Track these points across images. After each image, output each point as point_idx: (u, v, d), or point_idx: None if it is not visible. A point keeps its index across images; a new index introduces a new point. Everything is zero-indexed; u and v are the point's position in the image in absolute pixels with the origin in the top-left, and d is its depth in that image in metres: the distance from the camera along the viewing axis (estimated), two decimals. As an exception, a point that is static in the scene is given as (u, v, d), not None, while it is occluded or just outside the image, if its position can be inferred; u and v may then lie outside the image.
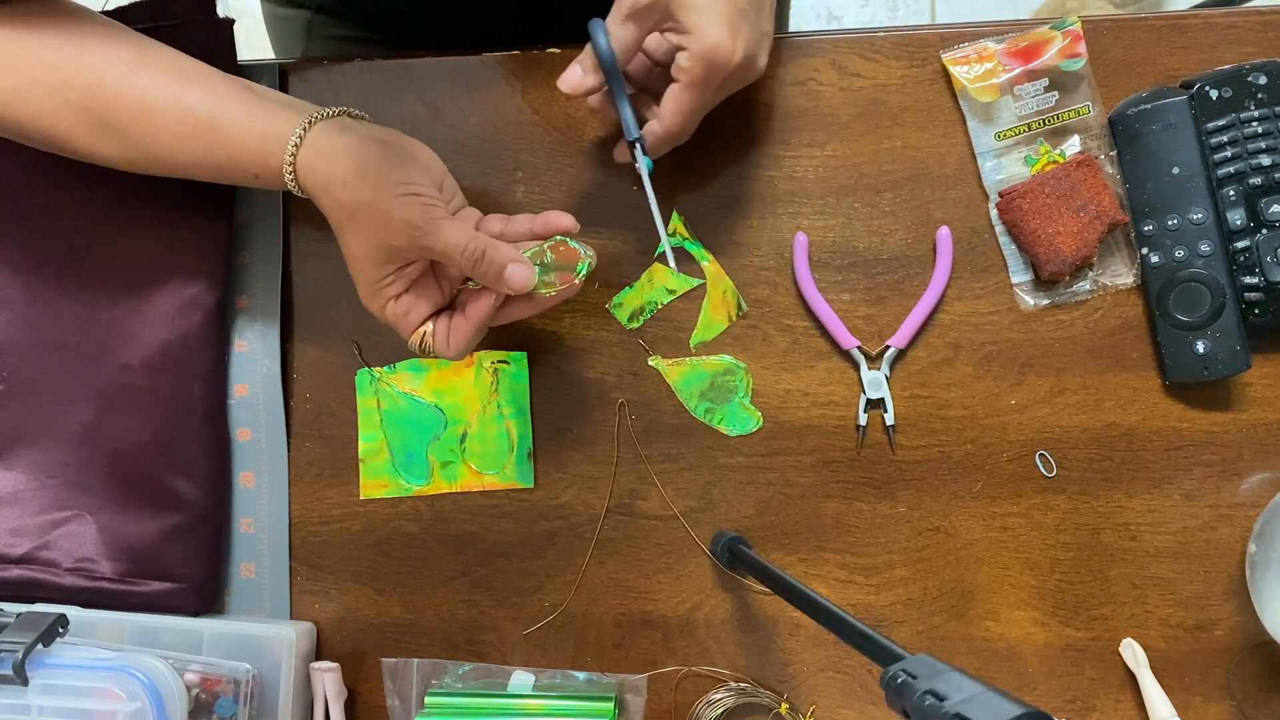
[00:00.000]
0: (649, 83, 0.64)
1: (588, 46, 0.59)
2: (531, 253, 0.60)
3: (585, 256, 0.61)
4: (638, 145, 0.61)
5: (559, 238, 0.61)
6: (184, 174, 0.62)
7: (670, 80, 0.59)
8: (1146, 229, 0.66)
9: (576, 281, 0.61)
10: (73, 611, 0.65)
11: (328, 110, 0.60)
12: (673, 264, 0.61)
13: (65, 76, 0.59)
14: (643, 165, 0.61)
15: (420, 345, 0.61)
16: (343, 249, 0.59)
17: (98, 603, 0.67)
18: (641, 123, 0.61)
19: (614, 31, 0.58)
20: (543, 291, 0.60)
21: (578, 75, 0.60)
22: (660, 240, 0.62)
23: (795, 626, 0.68)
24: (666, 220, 0.69)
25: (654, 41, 0.62)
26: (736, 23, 0.56)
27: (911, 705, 0.41)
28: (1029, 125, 0.67)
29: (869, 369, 0.68)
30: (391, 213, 0.56)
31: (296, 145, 0.58)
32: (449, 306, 0.62)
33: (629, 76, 0.62)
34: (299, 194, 0.60)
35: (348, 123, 0.61)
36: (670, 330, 0.69)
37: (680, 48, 0.57)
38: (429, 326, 0.60)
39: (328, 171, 0.57)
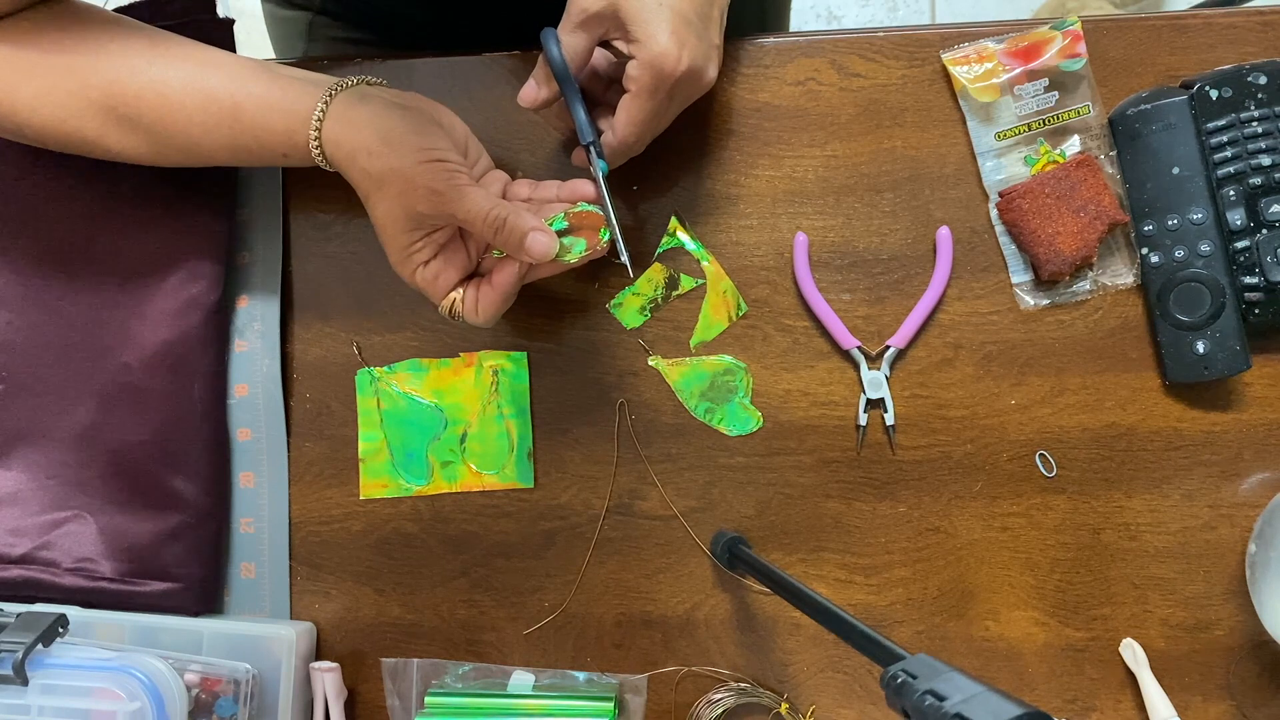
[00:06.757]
0: (606, 98, 0.64)
1: (540, 58, 0.60)
2: (554, 219, 0.61)
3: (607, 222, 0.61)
4: (593, 148, 0.61)
5: (582, 205, 0.61)
6: (213, 162, 0.63)
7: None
8: (1146, 229, 0.66)
9: (600, 246, 0.61)
10: (73, 611, 0.65)
11: (347, 80, 0.61)
12: (626, 261, 0.61)
13: (85, 77, 0.60)
14: (598, 168, 0.61)
15: (450, 312, 0.61)
16: (371, 217, 0.60)
17: (98, 603, 0.67)
18: (599, 134, 0.62)
19: (565, 39, 0.59)
20: (564, 258, 0.60)
21: (533, 89, 0.61)
22: (618, 241, 0.61)
23: (795, 626, 0.68)
24: (665, 221, 0.69)
25: (607, 59, 0.64)
26: (683, 33, 0.57)
27: (911, 705, 0.41)
28: (1029, 125, 0.67)
29: (869, 369, 0.68)
30: (416, 179, 0.57)
31: (320, 119, 0.59)
32: (478, 272, 0.63)
33: (586, 91, 0.63)
34: (327, 168, 0.61)
35: (368, 91, 0.61)
36: (670, 330, 0.69)
37: (630, 57, 0.58)
38: (458, 293, 0.61)
39: (353, 142, 0.58)
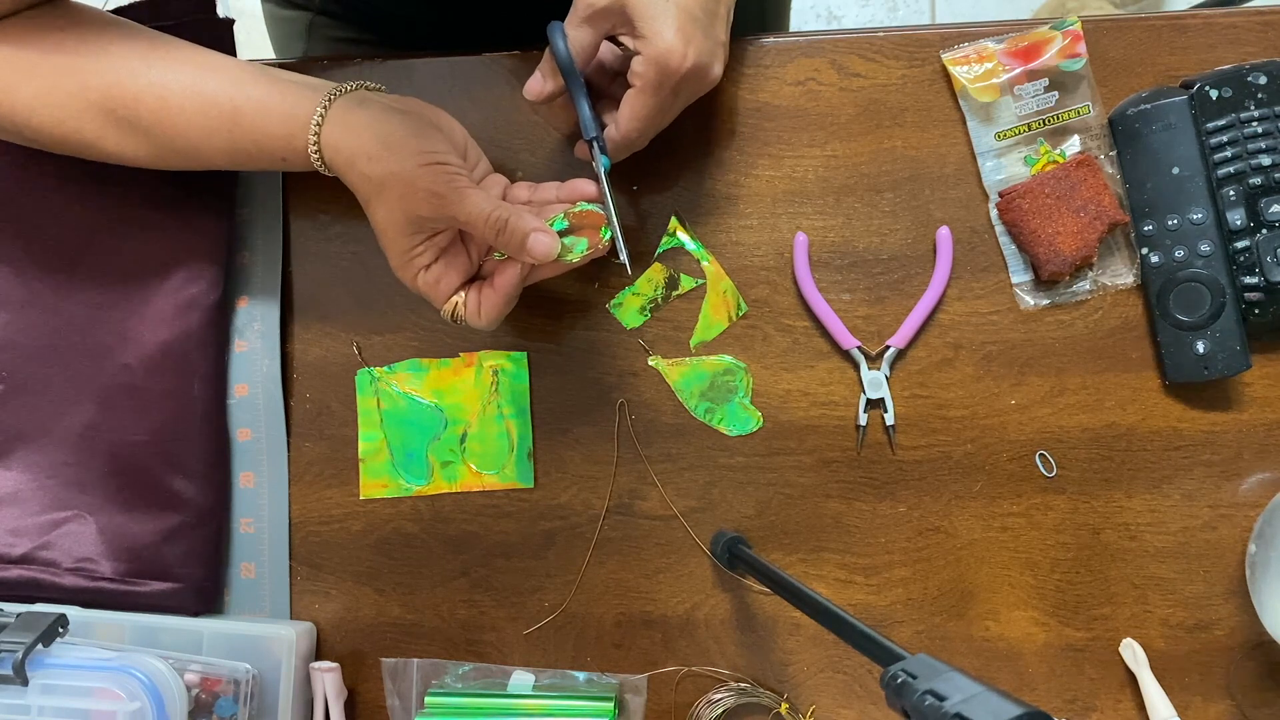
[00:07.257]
0: (611, 91, 0.64)
1: (547, 51, 0.60)
2: (554, 220, 0.61)
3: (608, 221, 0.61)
4: (595, 144, 0.61)
5: (582, 205, 0.61)
6: (212, 165, 0.63)
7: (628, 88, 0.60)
8: (1146, 229, 0.66)
9: (602, 245, 0.61)
10: (73, 611, 0.65)
11: (346, 85, 0.61)
12: (625, 259, 0.61)
13: (84, 78, 0.60)
14: (600, 163, 0.61)
15: (453, 315, 0.61)
16: (371, 222, 0.60)
17: (98, 603, 0.67)
18: (603, 129, 0.62)
19: (571, 34, 0.59)
20: (566, 258, 0.60)
21: (539, 82, 0.61)
22: (618, 238, 0.61)
23: (795, 626, 0.68)
24: (665, 221, 0.69)
25: (613, 52, 0.64)
26: (689, 30, 0.57)
27: (911, 705, 0.41)
28: (1029, 125, 0.67)
29: (869, 369, 0.68)
30: (416, 182, 0.57)
31: (319, 124, 0.59)
32: (479, 275, 0.63)
33: (591, 84, 0.63)
34: (326, 173, 0.61)
35: (366, 96, 0.61)
36: (670, 330, 0.69)
37: (636, 52, 0.58)
38: (460, 296, 0.61)
39: (352, 147, 0.58)
